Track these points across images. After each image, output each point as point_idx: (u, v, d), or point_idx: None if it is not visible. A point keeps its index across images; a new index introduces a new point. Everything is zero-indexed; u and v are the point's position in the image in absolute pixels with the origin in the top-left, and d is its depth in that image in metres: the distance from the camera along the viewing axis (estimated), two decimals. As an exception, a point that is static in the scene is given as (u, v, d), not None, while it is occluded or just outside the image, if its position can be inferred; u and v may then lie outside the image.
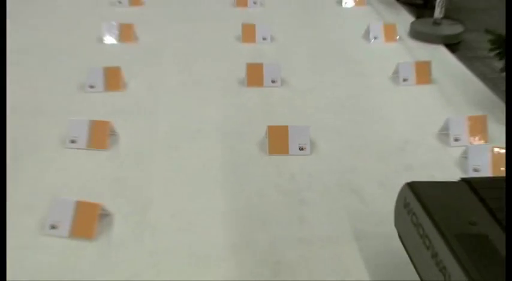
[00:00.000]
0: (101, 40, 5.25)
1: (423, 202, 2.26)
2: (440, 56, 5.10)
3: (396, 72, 4.60)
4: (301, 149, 3.60)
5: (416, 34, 5.45)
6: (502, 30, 4.12)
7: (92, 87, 4.35)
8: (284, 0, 6.47)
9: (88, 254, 2.80)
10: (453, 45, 5.33)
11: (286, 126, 3.65)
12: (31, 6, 6.25)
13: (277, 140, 3.60)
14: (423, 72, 4.58)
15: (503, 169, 3.40)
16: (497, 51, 4.26)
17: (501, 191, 2.28)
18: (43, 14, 6.00)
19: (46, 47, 5.18)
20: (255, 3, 6.19)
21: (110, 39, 5.24)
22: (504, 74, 4.26)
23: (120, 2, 6.15)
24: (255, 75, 4.46)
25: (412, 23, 5.60)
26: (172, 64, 4.90)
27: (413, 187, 2.36)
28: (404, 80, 4.54)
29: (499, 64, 4.35)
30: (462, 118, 3.82)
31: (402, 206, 2.41)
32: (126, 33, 5.25)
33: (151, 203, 3.16)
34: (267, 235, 2.93)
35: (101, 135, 3.65)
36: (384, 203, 3.10)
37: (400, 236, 2.48)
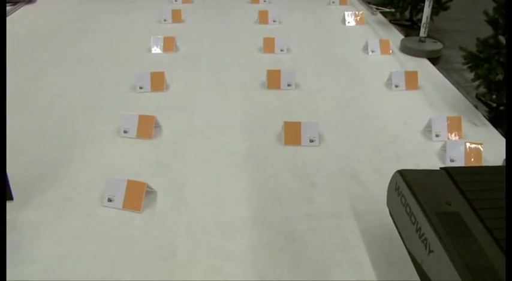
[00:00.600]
0: (149, 50, 5.25)
1: (410, 186, 2.28)
2: (425, 68, 5.05)
3: (389, 80, 4.56)
4: (311, 141, 3.58)
5: (405, 49, 5.41)
6: (473, 47, 4.15)
7: (141, 88, 4.36)
8: (298, 19, 6.44)
9: (136, 222, 2.82)
10: (434, 59, 5.30)
11: (299, 122, 3.63)
12: (96, 23, 6.28)
13: (292, 133, 3.59)
14: (411, 80, 4.54)
15: (473, 160, 3.41)
16: (469, 65, 4.26)
17: (472, 177, 2.34)
18: (105, 30, 6.03)
19: (107, 56, 5.20)
20: (274, 21, 6.16)
21: (156, 50, 5.24)
22: (474, 83, 4.28)
23: (165, 20, 6.15)
24: (273, 79, 4.44)
25: (402, 40, 5.56)
26: (205, 70, 4.88)
27: (402, 174, 2.37)
28: (396, 86, 4.51)
29: (470, 75, 4.34)
30: (442, 118, 3.80)
31: (393, 189, 2.42)
32: (169, 44, 5.24)
33: (186, 183, 3.16)
34: (282, 211, 2.92)
35: (147, 127, 3.66)
36: (378, 186, 3.09)
37: (391, 214, 2.49)
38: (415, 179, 2.33)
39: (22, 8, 6.90)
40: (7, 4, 6.81)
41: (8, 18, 6.43)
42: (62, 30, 6.02)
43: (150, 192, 3.00)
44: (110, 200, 2.94)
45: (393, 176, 2.45)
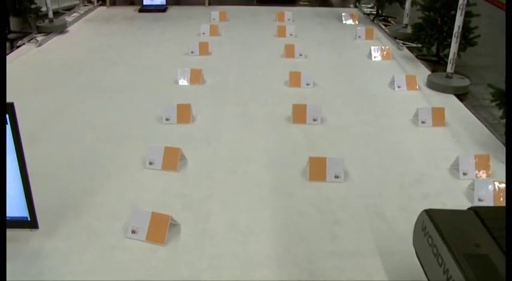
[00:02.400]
0: (176, 82, 5.33)
1: (438, 226, 2.24)
2: (452, 104, 5.02)
3: (416, 116, 4.55)
4: (336, 177, 3.57)
5: (432, 85, 5.39)
6: (500, 84, 4.11)
7: (167, 119, 4.41)
8: (324, 54, 6.49)
9: (160, 255, 2.82)
10: (462, 95, 5.26)
11: (324, 158, 3.62)
12: (124, 54, 6.42)
13: (317, 169, 3.58)
14: (438, 117, 4.51)
15: (502, 199, 3.33)
16: (497, 102, 4.22)
17: (501, 218, 2.25)
18: (133, 61, 6.16)
19: (134, 87, 5.30)
20: (300, 55, 6.21)
21: (183, 82, 5.32)
22: (502, 120, 4.23)
23: (192, 52, 6.25)
24: (299, 114, 4.46)
25: (429, 76, 5.55)
26: (231, 102, 4.93)
27: (429, 214, 2.34)
28: (423, 122, 4.49)
29: (499, 113, 4.30)
30: (470, 156, 3.75)
31: (420, 229, 2.38)
32: (195, 77, 5.32)
33: (211, 216, 3.16)
34: (305, 247, 2.90)
35: (172, 159, 3.68)
36: (404, 225, 3.04)
37: (417, 254, 2.45)
38: (443, 219, 2.29)
39: (55, 37, 7.10)
40: (41, 34, 7.01)
41: (41, 48, 6.63)
42: (91, 60, 6.16)
43: (174, 225, 3.01)
44: (133, 231, 2.95)
45: (420, 216, 2.42)
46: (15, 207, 2.80)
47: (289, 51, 6.23)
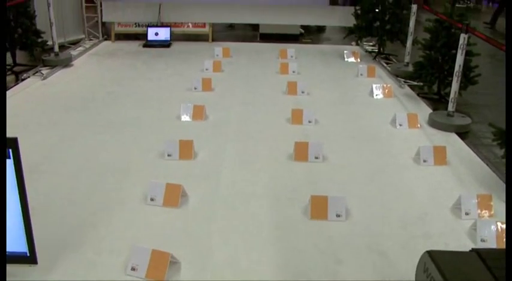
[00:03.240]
0: (179, 118, 5.36)
1: (440, 268, 2.23)
2: (454, 142, 5.04)
3: (418, 154, 4.56)
4: (338, 215, 3.56)
5: (434, 123, 5.42)
6: (501, 123, 4.11)
7: (169, 155, 4.42)
8: (326, 91, 6.55)
9: (159, 294, 2.79)
10: (463, 133, 5.29)
11: (326, 197, 3.61)
12: (127, 88, 6.49)
13: (318, 207, 3.57)
14: (440, 155, 4.52)
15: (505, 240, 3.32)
16: (499, 141, 4.24)
17: (504, 261, 2.24)
18: (136, 95, 6.21)
19: (137, 122, 5.33)
20: (303, 92, 6.26)
21: (185, 117, 5.35)
22: (504, 160, 4.24)
23: (195, 88, 6.30)
24: (301, 151, 4.46)
25: (430, 114, 5.58)
26: (233, 139, 4.95)
27: (432, 255, 2.33)
28: (425, 161, 4.49)
29: (500, 152, 4.31)
30: (472, 195, 3.75)
31: (422, 270, 2.37)
32: (198, 113, 5.36)
33: (211, 254, 3.14)
34: (307, 287, 2.87)
35: (174, 196, 3.68)
36: (406, 265, 3.02)
37: (419, 295, 2.43)
38: (445, 261, 2.29)
39: (60, 71, 7.19)
40: (46, 67, 7.10)
41: (45, 81, 6.72)
42: (95, 94, 6.22)
43: (174, 262, 2.99)
44: (133, 269, 2.93)
45: (422, 257, 2.41)
46: (15, 242, 2.80)
47: (292, 88, 6.28)
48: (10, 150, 2.78)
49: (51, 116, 5.44)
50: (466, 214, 3.65)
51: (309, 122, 5.31)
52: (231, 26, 10.53)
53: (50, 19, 7.14)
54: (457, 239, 3.37)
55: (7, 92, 6.23)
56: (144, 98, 6.09)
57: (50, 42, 7.45)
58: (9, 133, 4.66)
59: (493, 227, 3.37)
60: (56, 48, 7.38)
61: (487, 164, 4.55)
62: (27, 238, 2.80)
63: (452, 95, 5.38)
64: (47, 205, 3.62)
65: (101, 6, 9.09)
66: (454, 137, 5.19)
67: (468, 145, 4.98)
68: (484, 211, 3.67)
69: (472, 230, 3.44)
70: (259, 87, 6.58)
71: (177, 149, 4.42)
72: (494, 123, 4.32)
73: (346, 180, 4.18)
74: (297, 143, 4.52)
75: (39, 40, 7.32)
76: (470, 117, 5.54)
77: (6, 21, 6.92)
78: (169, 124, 5.26)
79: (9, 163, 2.76)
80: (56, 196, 3.79)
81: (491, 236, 3.34)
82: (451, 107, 5.42)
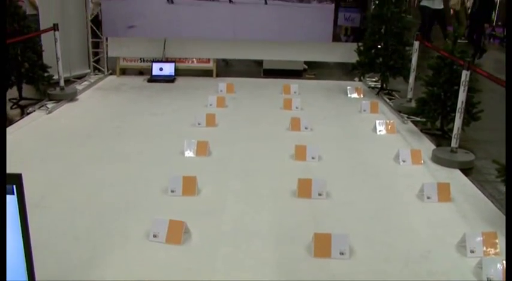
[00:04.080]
0: (182, 153, 5.37)
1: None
2: (457, 179, 5.03)
3: (421, 191, 4.55)
4: (341, 253, 3.53)
5: (437, 159, 5.42)
6: (505, 159, 4.09)
7: (172, 191, 4.42)
8: (329, 127, 6.58)
9: None
10: (467, 170, 5.28)
11: (329, 234, 3.59)
12: (132, 123, 6.54)
13: (322, 245, 3.54)
14: (444, 192, 4.51)
15: (512, 279, 3.28)
16: (503, 178, 4.22)
17: None
18: (140, 130, 6.26)
19: (140, 157, 5.35)
20: (306, 128, 6.29)
21: (189, 153, 5.36)
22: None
23: (199, 124, 6.34)
24: (304, 188, 4.46)
25: (434, 150, 5.59)
26: (236, 175, 4.95)
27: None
28: (428, 197, 4.47)
29: (505, 188, 4.28)
30: (477, 233, 3.72)
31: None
32: (202, 148, 5.37)
33: (214, 292, 3.13)
34: (310, 327, 2.84)
35: (177, 232, 3.67)
36: (410, 305, 2.99)
37: None
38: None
39: (65, 105, 7.25)
40: (51, 101, 7.16)
41: (50, 115, 6.77)
42: (99, 128, 6.26)
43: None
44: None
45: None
46: (16, 278, 2.77)
47: (295, 124, 6.31)
48: (14, 186, 2.78)
49: (56, 150, 5.47)
50: (471, 251, 3.62)
51: (313, 158, 5.31)
52: (226, 63, 10.62)
53: (56, 54, 7.24)
54: (463, 278, 3.34)
55: (12, 125, 6.29)
56: (148, 133, 6.12)
57: (55, 77, 7.54)
58: (13, 167, 4.70)
59: (499, 265, 3.34)
60: (62, 83, 7.46)
61: (492, 201, 4.53)
62: (28, 276, 2.78)
63: (455, 131, 5.40)
64: (48, 241, 3.61)
65: (106, 41, 9.20)
66: (458, 173, 5.19)
67: (472, 182, 4.97)
68: (489, 249, 3.64)
69: (478, 268, 3.40)
70: (263, 123, 6.61)
71: (181, 185, 4.43)
72: (498, 159, 4.32)
73: (350, 217, 4.16)
74: (300, 180, 4.51)
75: (46, 74, 7.40)
76: (474, 154, 5.54)
77: (13, 55, 7.02)
78: (173, 160, 5.27)
79: (13, 200, 2.76)
80: (57, 231, 3.78)
81: (497, 275, 3.30)
82: (454, 143, 5.43)
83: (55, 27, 7.18)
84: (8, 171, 2.70)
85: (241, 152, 5.57)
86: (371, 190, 4.70)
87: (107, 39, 9.18)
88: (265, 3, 8.63)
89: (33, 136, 5.97)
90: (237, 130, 6.33)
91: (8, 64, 7.02)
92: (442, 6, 12.65)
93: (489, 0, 12.56)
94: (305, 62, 9.92)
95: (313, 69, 10.00)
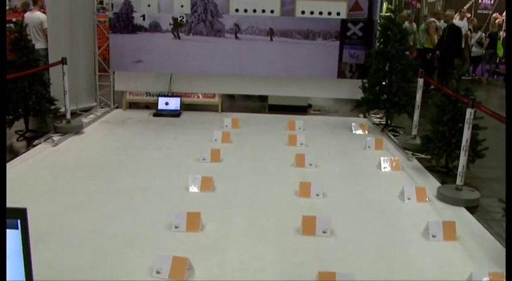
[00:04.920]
0: (187, 189, 5.36)
1: None
2: (463, 217, 5.00)
3: (427, 229, 4.51)
4: (346, 292, 3.50)
5: (442, 197, 5.40)
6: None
7: (176, 227, 4.40)
8: (334, 163, 6.57)
9: None
10: (472, 208, 5.25)
11: (334, 273, 3.56)
12: (137, 157, 6.55)
13: (326, 284, 3.52)
14: (449, 231, 4.47)
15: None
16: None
17: None
18: (145, 165, 6.26)
19: (145, 192, 5.34)
20: (310, 164, 6.28)
21: (193, 189, 5.36)
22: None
23: (204, 159, 6.34)
24: (308, 225, 4.43)
25: (439, 188, 5.57)
26: (240, 211, 4.93)
27: None
28: (434, 236, 4.44)
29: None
30: (483, 273, 3.68)
31: None
32: (206, 184, 5.36)
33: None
34: None
35: (180, 269, 3.63)
36: None
37: None
38: None
39: (71, 138, 7.30)
40: (57, 134, 7.20)
41: (56, 148, 6.81)
42: (105, 162, 6.28)
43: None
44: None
45: None
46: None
47: (300, 160, 6.31)
48: (18, 221, 2.78)
49: (60, 183, 5.48)
50: (478, 292, 3.58)
51: (317, 195, 5.29)
52: (232, 97, 10.69)
53: (64, 87, 7.32)
54: (469, 320, 3.29)
55: (18, 158, 6.32)
56: (153, 167, 6.13)
57: (62, 109, 7.61)
58: (18, 200, 4.72)
59: (506, 307, 3.30)
60: (68, 116, 7.52)
61: (498, 240, 4.49)
62: (29, 312, 2.75)
63: (460, 168, 5.39)
64: (50, 277, 3.58)
65: (113, 75, 9.30)
66: (464, 211, 5.16)
67: (478, 220, 4.94)
68: (496, 290, 3.60)
69: (485, 310, 3.36)
70: (268, 159, 6.61)
71: (185, 220, 4.41)
72: (503, 198, 4.29)
73: (354, 255, 4.13)
74: (304, 217, 4.49)
75: (52, 107, 7.47)
76: (479, 191, 5.52)
77: (21, 88, 7.10)
78: (177, 195, 5.27)
79: (17, 234, 2.75)
80: (60, 266, 3.76)
81: (504, 317, 3.26)
82: (459, 180, 5.42)
83: (63, 61, 7.28)
84: (12, 204, 2.70)
85: (245, 188, 5.56)
86: (376, 228, 4.67)
87: (114, 73, 9.29)
88: (271, 39, 8.75)
89: (38, 169, 5.98)
90: (242, 166, 6.33)
91: (16, 97, 7.10)
92: (426, 44, 12.86)
93: (456, 32, 12.59)
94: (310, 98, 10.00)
95: (318, 105, 10.06)
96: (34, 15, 9.53)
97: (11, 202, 3.86)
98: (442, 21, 13.11)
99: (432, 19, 13.41)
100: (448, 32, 11.91)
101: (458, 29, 12.18)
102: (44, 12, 9.32)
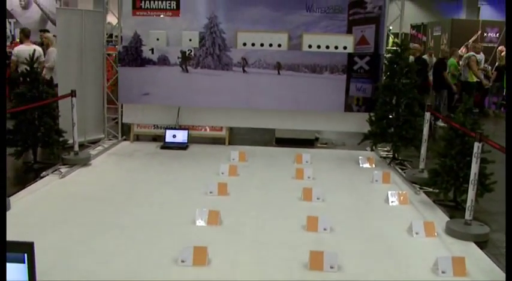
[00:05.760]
0: (194, 222, 5.35)
1: None
2: (472, 252, 4.94)
3: (436, 265, 4.46)
4: (354, 331, 3.44)
5: (451, 232, 5.35)
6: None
7: (183, 261, 4.38)
8: (341, 197, 6.54)
9: None
10: (482, 242, 5.20)
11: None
12: (143, 191, 6.55)
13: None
14: (459, 267, 4.42)
15: None
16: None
17: None
18: (152, 198, 6.26)
19: (151, 225, 5.33)
20: (318, 198, 6.26)
21: (200, 222, 5.33)
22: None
23: (211, 192, 6.33)
24: (316, 261, 4.39)
25: (447, 222, 5.53)
26: (248, 246, 4.90)
27: None
28: (443, 272, 4.39)
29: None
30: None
31: None
32: (213, 218, 5.34)
33: None
34: None
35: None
36: None
37: None
38: None
39: (78, 170, 7.33)
40: (65, 166, 7.23)
41: (63, 180, 6.84)
42: (112, 194, 6.29)
43: None
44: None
45: None
46: None
47: (307, 194, 6.29)
48: (25, 255, 2.78)
49: (68, 216, 5.48)
50: (489, 330, 3.52)
51: (324, 229, 5.25)
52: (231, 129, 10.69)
53: (72, 120, 7.38)
54: None
55: (25, 189, 6.34)
56: (160, 200, 6.13)
57: (70, 141, 7.66)
58: (24, 232, 4.72)
59: None
60: (76, 148, 7.56)
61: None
62: None
63: (468, 203, 5.35)
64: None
65: (121, 107, 9.38)
66: (473, 246, 5.10)
67: (488, 255, 4.88)
68: (507, 329, 3.53)
69: None
70: (275, 193, 6.60)
71: (191, 255, 4.38)
72: (512, 234, 4.25)
73: (363, 292, 4.08)
74: (312, 252, 4.46)
75: (61, 139, 7.53)
76: (489, 226, 5.47)
77: (31, 120, 7.17)
78: (184, 229, 5.24)
79: (23, 269, 2.76)
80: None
81: None
82: (468, 215, 5.37)
83: (73, 94, 7.37)
84: (18, 236, 2.71)
85: (252, 222, 5.53)
86: (384, 264, 4.62)
87: (122, 105, 9.36)
88: (278, 73, 8.82)
89: (45, 201, 5.99)
90: (249, 199, 6.31)
91: (25, 128, 7.17)
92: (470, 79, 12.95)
93: (442, 64, 12.66)
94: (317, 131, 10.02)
95: (325, 138, 10.08)
96: (30, 48, 9.61)
97: (17, 234, 3.88)
98: (481, 53, 13.24)
99: (472, 53, 13.56)
100: None
101: None
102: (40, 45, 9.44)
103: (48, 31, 14.06)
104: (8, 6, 17.94)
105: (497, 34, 18.62)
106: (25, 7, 18.61)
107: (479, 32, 18.44)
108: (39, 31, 15.28)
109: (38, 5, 18.53)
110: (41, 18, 18.65)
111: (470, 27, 18.79)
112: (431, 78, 12.57)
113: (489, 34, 18.79)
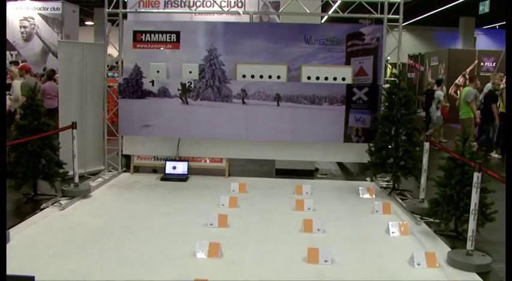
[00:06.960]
0: (194, 255, 5.33)
1: None
2: (475, 283, 4.93)
3: (438, 296, 4.45)
4: None
5: (453, 262, 5.34)
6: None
7: (183, 294, 4.37)
8: (342, 228, 6.53)
9: None
10: (484, 273, 5.18)
11: None
12: (143, 222, 6.54)
13: None
14: (461, 298, 4.41)
15: None
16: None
17: None
18: (151, 230, 6.26)
19: (151, 259, 5.30)
20: (318, 230, 6.24)
21: (200, 255, 5.31)
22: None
23: (211, 224, 6.32)
24: (317, 293, 4.39)
25: (449, 253, 5.52)
26: (248, 278, 4.88)
27: None
28: (446, 303, 4.38)
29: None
30: None
31: None
32: (213, 250, 5.32)
33: None
34: None
35: None
36: None
37: None
38: None
39: (78, 202, 7.33)
40: (65, 198, 7.23)
41: (63, 212, 6.84)
42: (111, 227, 6.28)
43: None
44: None
45: None
46: None
47: (307, 225, 6.28)
48: (26, 290, 2.78)
49: (68, 249, 5.46)
50: None
51: (325, 261, 5.23)
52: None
53: (73, 151, 7.41)
54: None
55: (25, 221, 6.33)
56: (160, 233, 6.11)
57: (70, 173, 7.67)
58: (24, 264, 4.70)
59: None
60: (77, 179, 7.57)
61: (511, 308, 4.40)
62: None
63: (470, 233, 5.35)
64: None
65: (122, 139, 9.42)
66: (475, 277, 5.09)
67: (491, 287, 4.86)
68: None
69: None
70: (275, 225, 6.58)
71: (192, 288, 4.37)
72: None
73: (365, 325, 4.05)
74: (313, 284, 4.44)
75: (61, 171, 7.53)
76: (490, 256, 5.46)
77: (31, 152, 7.17)
78: (184, 261, 5.22)
79: (24, 304, 2.75)
80: None
81: None
82: (469, 245, 5.36)
83: (73, 126, 7.41)
84: (18, 269, 2.71)
85: (253, 254, 5.51)
86: (386, 295, 4.60)
87: (122, 137, 9.40)
88: (278, 104, 8.88)
89: (45, 233, 5.97)
90: (249, 231, 6.30)
91: (26, 160, 7.18)
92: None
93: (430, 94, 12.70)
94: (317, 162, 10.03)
95: (324, 169, 10.10)
96: (30, 81, 9.65)
97: (17, 267, 3.88)
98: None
99: (503, 84, 13.58)
100: None
101: None
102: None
103: (18, 63, 14.14)
104: (10, 39, 18.13)
105: (494, 63, 18.84)
106: (27, 39, 18.80)
107: (476, 62, 18.67)
108: (9, 63, 15.35)
109: (40, 38, 18.72)
110: (42, 51, 18.82)
111: (467, 57, 19.06)
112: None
113: (486, 63, 19.02)
